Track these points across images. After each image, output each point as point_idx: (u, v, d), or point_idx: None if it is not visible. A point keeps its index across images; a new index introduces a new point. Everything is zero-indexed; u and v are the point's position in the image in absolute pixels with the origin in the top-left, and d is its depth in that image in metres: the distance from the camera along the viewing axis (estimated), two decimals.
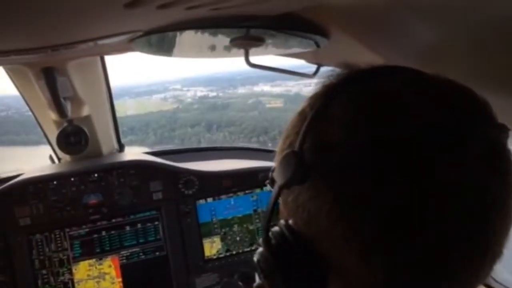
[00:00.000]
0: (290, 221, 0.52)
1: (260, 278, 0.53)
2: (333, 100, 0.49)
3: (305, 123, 0.49)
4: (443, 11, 0.65)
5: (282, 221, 0.53)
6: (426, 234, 0.43)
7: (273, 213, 0.52)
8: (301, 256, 0.49)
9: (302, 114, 0.52)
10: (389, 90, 0.48)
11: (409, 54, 0.80)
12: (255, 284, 0.58)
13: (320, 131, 0.48)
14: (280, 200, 0.54)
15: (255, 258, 0.53)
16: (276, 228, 0.53)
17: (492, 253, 0.46)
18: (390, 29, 0.77)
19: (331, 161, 0.46)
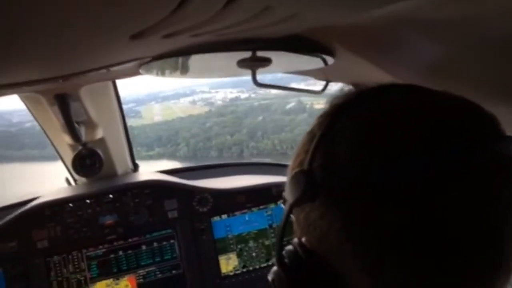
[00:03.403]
0: (303, 239, 0.52)
1: None
2: (340, 120, 0.50)
3: (313, 142, 0.49)
4: (449, 27, 0.65)
5: (295, 240, 0.53)
6: (437, 251, 0.43)
7: (285, 232, 0.53)
8: (315, 275, 0.49)
9: (311, 134, 0.53)
10: (394, 109, 0.48)
11: (416, 71, 0.80)
12: None
13: (328, 150, 0.48)
14: (293, 219, 0.54)
15: (269, 277, 0.54)
16: (290, 247, 0.53)
17: (507, 267, 0.45)
18: (396, 47, 0.77)
19: (339, 179, 0.47)
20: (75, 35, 0.57)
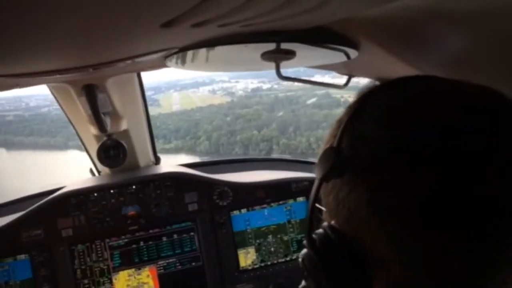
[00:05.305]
0: (333, 222, 0.54)
1: (305, 278, 0.56)
2: (367, 104, 0.52)
3: (341, 126, 0.52)
4: (474, 20, 0.65)
5: (325, 223, 0.55)
6: (465, 223, 0.44)
7: (315, 207, 0.54)
8: (345, 254, 0.51)
9: (339, 121, 0.56)
10: (422, 92, 0.51)
11: (440, 64, 0.80)
12: (299, 287, 0.59)
13: (356, 130, 0.51)
14: (323, 204, 0.56)
15: (299, 259, 0.56)
16: (320, 230, 0.55)
17: None
18: (420, 40, 0.77)
19: (365, 153, 0.49)
20: (107, 23, 0.59)
